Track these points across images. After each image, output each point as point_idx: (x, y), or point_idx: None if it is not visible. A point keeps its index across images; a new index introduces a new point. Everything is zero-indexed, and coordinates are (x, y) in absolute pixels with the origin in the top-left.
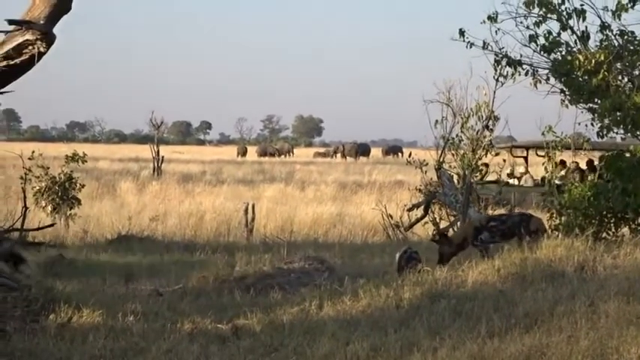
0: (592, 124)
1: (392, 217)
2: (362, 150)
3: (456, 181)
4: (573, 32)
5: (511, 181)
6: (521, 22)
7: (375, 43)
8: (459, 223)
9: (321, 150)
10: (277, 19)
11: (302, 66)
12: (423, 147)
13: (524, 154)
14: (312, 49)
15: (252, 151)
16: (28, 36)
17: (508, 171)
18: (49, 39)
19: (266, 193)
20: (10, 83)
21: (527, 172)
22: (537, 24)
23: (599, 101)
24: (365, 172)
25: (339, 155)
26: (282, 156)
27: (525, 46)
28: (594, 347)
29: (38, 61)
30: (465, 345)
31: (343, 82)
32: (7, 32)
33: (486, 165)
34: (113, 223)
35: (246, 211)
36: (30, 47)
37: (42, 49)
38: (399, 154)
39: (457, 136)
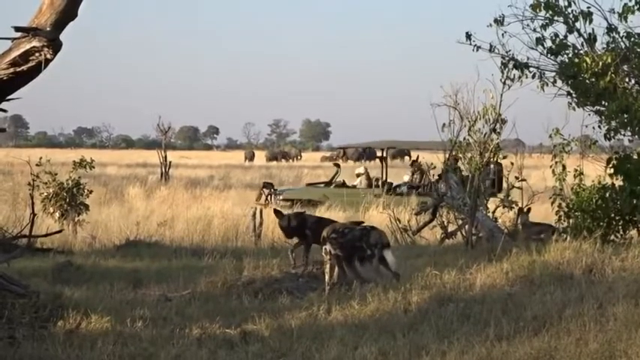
0: (599, 127)
1: (400, 221)
2: (367, 153)
3: (463, 185)
4: (580, 35)
5: (355, 182)
6: (527, 25)
7: (383, 47)
8: (466, 227)
9: (328, 154)
10: (283, 24)
11: (309, 70)
12: (431, 150)
13: (379, 155)
14: (319, 53)
15: (259, 156)
16: (35, 43)
17: (356, 172)
18: (55, 46)
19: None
20: (17, 90)
21: (364, 173)
22: (544, 27)
23: (606, 104)
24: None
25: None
26: (291, 160)
27: (532, 48)
28: (603, 350)
29: (45, 67)
30: (473, 348)
31: (351, 85)
32: (13, 39)
33: (337, 165)
34: (121, 229)
35: (254, 215)
36: (37, 54)
37: (48, 56)
38: (407, 157)
39: (464, 139)
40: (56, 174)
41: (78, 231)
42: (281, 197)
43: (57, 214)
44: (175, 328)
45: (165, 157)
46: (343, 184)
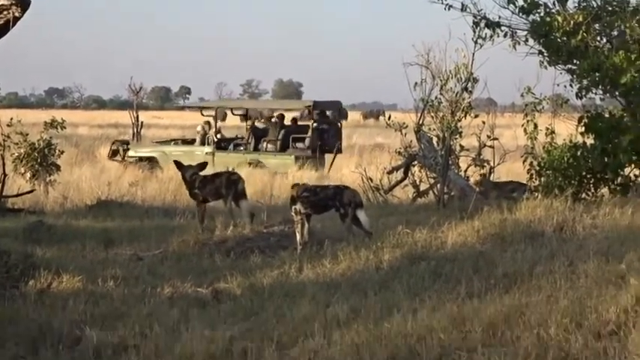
0: (571, 86)
1: (372, 180)
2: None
3: (435, 144)
4: None
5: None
6: None
7: (354, 6)
8: (438, 185)
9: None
10: None
11: (281, 30)
12: (403, 110)
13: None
14: (291, 12)
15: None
16: (3, 1)
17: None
18: (23, 4)
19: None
20: None
21: (201, 131)
22: None
23: (577, 62)
24: (344, 135)
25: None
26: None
27: (504, 7)
28: (573, 307)
29: (13, 26)
30: (444, 306)
31: (323, 45)
32: None
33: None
34: (93, 189)
35: None
36: (5, 12)
37: (17, 14)
38: (380, 117)
39: (436, 98)
40: (27, 134)
41: (49, 191)
42: (128, 154)
43: (28, 175)
44: (147, 288)
45: (137, 117)
46: (190, 142)
